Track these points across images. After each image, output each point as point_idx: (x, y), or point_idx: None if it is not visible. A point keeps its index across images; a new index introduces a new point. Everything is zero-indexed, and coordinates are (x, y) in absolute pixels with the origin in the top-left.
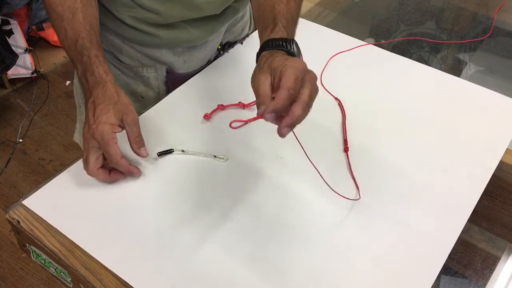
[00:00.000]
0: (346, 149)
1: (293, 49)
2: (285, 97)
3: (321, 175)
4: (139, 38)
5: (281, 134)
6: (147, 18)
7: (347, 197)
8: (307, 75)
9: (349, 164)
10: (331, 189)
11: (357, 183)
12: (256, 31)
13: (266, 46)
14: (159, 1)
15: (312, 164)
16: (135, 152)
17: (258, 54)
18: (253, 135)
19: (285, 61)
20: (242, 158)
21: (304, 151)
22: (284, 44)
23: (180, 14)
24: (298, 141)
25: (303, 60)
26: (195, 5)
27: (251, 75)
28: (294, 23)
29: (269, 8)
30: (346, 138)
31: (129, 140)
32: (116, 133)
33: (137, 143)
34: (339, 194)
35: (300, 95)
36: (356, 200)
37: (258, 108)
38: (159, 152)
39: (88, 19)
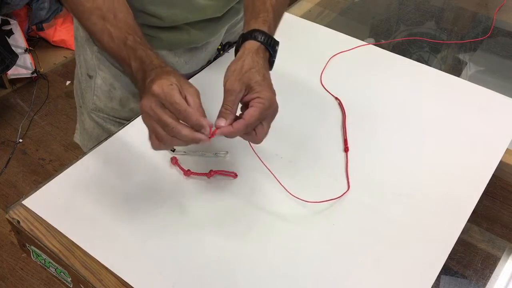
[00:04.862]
0: (346, 149)
1: (274, 57)
2: (241, 129)
3: (278, 180)
4: None
5: (217, 132)
6: (149, 22)
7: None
8: (271, 112)
9: (347, 164)
10: (290, 193)
11: (350, 183)
12: None
13: (256, 33)
14: (162, 7)
15: (268, 168)
16: (196, 124)
17: (245, 36)
18: None
19: (261, 86)
20: (243, 157)
21: (262, 162)
22: (271, 43)
23: (182, 17)
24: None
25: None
26: (197, 8)
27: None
28: (280, 17)
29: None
30: (346, 138)
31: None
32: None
33: (201, 112)
34: (297, 197)
35: (256, 128)
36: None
37: (220, 114)
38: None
39: (130, 17)
